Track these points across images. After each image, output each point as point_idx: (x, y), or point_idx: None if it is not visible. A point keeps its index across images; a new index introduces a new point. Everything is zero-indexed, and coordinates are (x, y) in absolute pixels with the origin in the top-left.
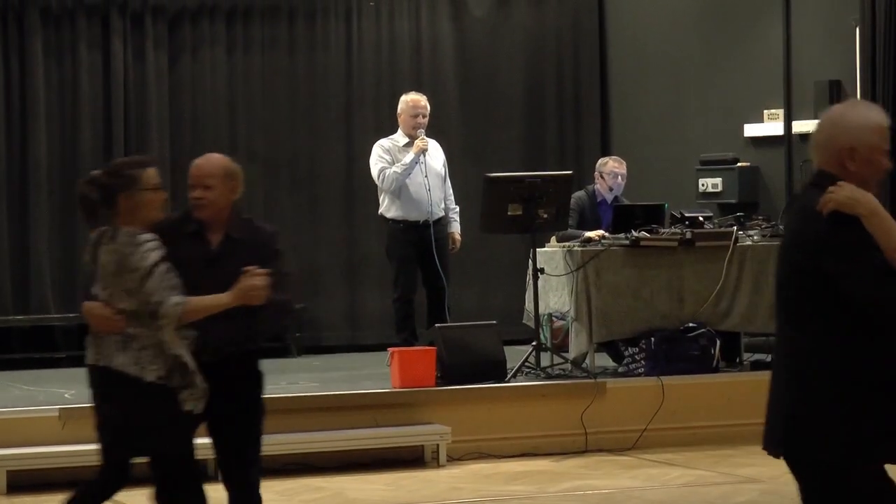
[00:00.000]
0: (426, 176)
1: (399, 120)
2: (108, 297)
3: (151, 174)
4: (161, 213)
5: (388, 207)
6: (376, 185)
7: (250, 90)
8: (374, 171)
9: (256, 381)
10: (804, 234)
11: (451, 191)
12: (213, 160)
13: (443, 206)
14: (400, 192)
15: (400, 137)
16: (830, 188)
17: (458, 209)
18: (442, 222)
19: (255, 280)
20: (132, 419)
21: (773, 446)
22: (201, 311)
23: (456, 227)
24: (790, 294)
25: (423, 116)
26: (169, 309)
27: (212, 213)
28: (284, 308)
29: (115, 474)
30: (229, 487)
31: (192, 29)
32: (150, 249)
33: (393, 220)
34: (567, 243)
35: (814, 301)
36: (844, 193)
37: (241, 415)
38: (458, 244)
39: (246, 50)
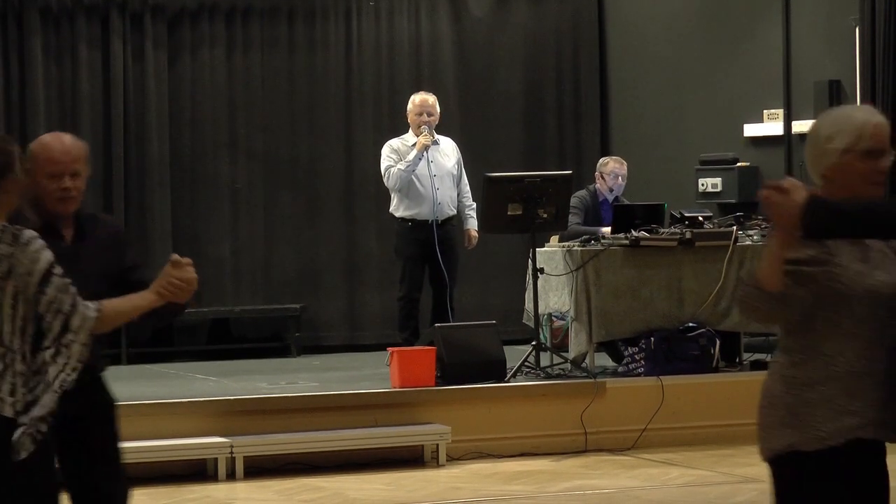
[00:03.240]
0: (434, 175)
1: (408, 120)
2: None
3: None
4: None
5: (397, 206)
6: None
7: (250, 90)
8: (382, 170)
9: (112, 407)
10: None
11: (467, 188)
12: (77, 142)
13: (454, 205)
14: (408, 190)
15: (409, 137)
16: None
17: (474, 206)
18: (451, 222)
19: (186, 272)
20: None
21: None
22: (122, 315)
23: (472, 224)
24: None
25: (430, 115)
26: (85, 318)
27: (77, 206)
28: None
29: None
30: None
31: (191, 29)
32: (41, 248)
33: (402, 219)
34: (568, 242)
35: None
36: None
37: (99, 459)
38: (473, 241)
39: (245, 50)
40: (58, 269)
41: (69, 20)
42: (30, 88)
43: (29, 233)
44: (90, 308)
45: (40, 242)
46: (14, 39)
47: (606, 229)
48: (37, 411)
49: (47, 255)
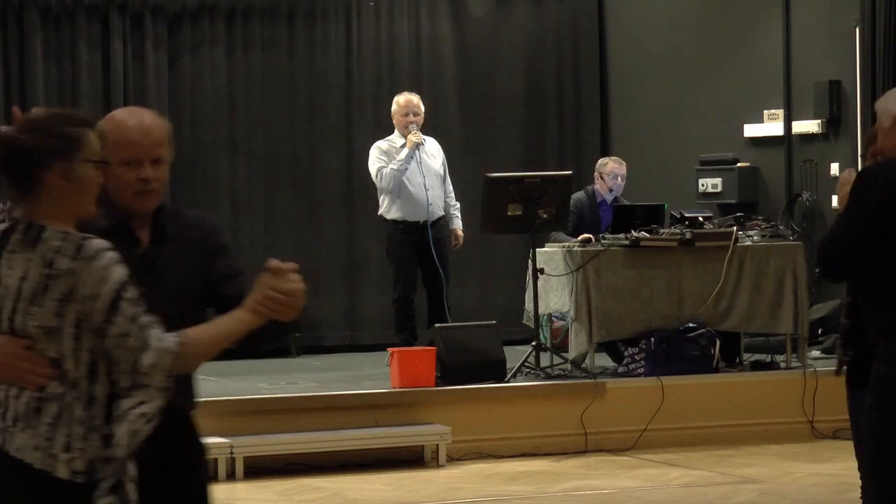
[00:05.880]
0: (424, 176)
1: (394, 121)
2: (22, 328)
3: (96, 140)
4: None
5: (387, 208)
6: (376, 186)
7: (250, 90)
8: (373, 172)
9: (201, 454)
10: None
11: (451, 188)
12: (158, 120)
13: (442, 205)
14: (399, 192)
15: (396, 138)
16: None
17: (458, 205)
18: (441, 222)
19: (288, 282)
20: None
21: None
22: (212, 347)
23: (458, 224)
24: None
25: (415, 115)
26: (159, 355)
27: (158, 201)
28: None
29: None
30: None
31: (191, 29)
32: (111, 263)
33: (393, 221)
34: (566, 243)
35: None
36: None
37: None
38: (460, 240)
39: (245, 50)
40: (130, 292)
41: (69, 20)
42: (30, 88)
43: (97, 244)
44: (168, 342)
45: (110, 256)
46: (14, 39)
47: (580, 238)
48: (111, 472)
49: (117, 274)
